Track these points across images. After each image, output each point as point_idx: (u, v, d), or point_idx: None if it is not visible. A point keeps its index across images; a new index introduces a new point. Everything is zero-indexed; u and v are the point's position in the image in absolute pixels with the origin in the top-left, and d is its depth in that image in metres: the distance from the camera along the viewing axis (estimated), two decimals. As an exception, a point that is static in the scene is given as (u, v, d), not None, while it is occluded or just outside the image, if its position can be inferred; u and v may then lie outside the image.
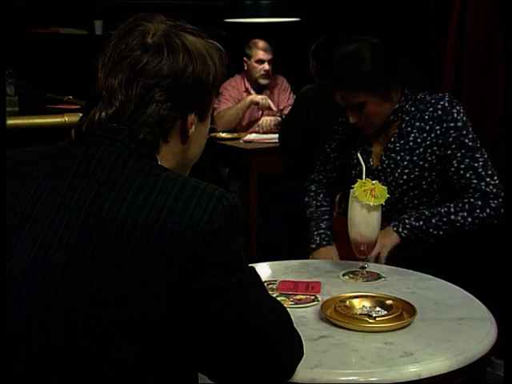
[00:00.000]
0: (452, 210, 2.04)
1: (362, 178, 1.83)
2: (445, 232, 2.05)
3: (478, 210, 2.03)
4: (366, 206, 1.79)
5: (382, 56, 2.09)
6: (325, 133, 3.63)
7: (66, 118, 2.55)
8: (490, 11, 2.88)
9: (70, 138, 1.22)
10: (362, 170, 1.90)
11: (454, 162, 2.06)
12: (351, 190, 1.81)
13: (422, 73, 3.00)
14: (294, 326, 1.26)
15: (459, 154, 2.06)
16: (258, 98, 4.39)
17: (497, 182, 2.05)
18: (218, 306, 1.09)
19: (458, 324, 1.53)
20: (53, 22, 4.91)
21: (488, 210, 2.03)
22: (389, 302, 1.58)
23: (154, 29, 1.18)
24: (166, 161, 1.20)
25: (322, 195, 2.42)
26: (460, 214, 2.03)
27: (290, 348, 1.23)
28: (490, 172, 2.05)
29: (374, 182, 1.81)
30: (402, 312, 1.54)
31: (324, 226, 2.34)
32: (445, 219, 2.03)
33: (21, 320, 1.06)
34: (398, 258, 2.07)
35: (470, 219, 2.03)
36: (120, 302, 1.03)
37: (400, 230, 2.06)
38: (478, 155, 2.06)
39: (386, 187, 1.81)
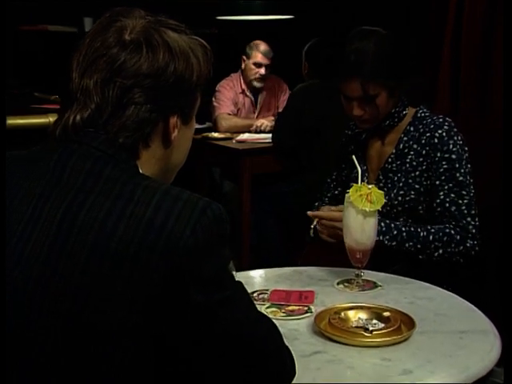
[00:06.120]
0: (431, 237, 1.94)
1: (357, 182, 1.74)
2: (413, 254, 1.95)
3: (453, 245, 1.94)
4: (361, 211, 1.71)
5: (397, 48, 2.04)
6: (319, 132, 3.63)
7: (50, 119, 2.48)
8: (487, 7, 2.86)
9: (44, 143, 1.13)
10: (357, 174, 1.81)
11: (441, 193, 1.99)
12: (346, 195, 1.73)
13: (419, 72, 2.96)
14: (285, 342, 1.18)
15: (447, 187, 1.99)
16: (265, 124, 4.33)
17: (477, 223, 1.97)
18: (202, 323, 1.03)
19: (459, 338, 1.45)
20: (41, 19, 4.85)
21: (461, 247, 1.94)
22: (386, 313, 1.50)
23: (132, 25, 1.10)
24: (148, 167, 1.13)
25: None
26: (435, 243, 1.93)
27: (281, 367, 1.16)
28: (472, 212, 1.97)
29: (370, 186, 1.73)
30: (400, 325, 1.46)
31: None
32: (419, 246, 1.93)
33: None
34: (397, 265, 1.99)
35: (441, 251, 1.94)
36: (99, 311, 0.97)
37: None
38: (464, 192, 1.98)
39: (382, 192, 1.73)
